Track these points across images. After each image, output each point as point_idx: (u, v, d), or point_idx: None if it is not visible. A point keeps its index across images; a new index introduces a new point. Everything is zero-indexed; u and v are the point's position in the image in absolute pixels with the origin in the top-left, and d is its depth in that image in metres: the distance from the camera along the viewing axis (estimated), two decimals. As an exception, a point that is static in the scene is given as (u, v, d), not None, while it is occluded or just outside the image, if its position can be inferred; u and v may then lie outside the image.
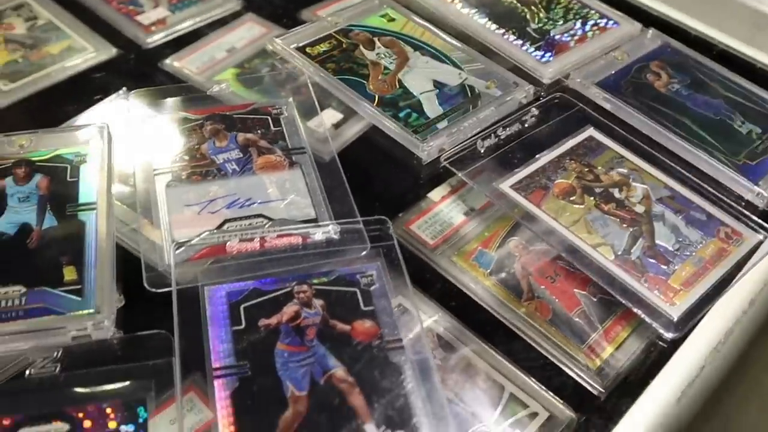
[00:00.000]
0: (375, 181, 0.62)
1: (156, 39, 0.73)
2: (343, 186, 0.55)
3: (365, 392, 0.43)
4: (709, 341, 0.50)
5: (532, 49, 0.70)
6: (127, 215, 0.54)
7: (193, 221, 0.52)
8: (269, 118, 0.59)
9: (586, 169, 0.59)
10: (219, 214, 0.53)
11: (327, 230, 0.51)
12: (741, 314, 0.53)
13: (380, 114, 0.61)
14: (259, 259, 0.50)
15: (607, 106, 0.65)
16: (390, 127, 0.61)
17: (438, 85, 0.65)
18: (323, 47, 0.67)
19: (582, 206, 0.56)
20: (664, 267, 0.52)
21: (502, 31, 0.72)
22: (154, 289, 0.48)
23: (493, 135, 0.60)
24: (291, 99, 0.61)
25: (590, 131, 0.62)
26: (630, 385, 0.48)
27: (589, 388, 0.47)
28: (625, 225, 0.55)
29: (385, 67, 0.66)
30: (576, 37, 0.72)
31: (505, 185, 0.57)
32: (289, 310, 0.47)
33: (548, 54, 0.70)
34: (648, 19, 0.78)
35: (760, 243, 0.55)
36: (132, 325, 0.47)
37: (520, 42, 0.71)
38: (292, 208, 0.53)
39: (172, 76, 0.69)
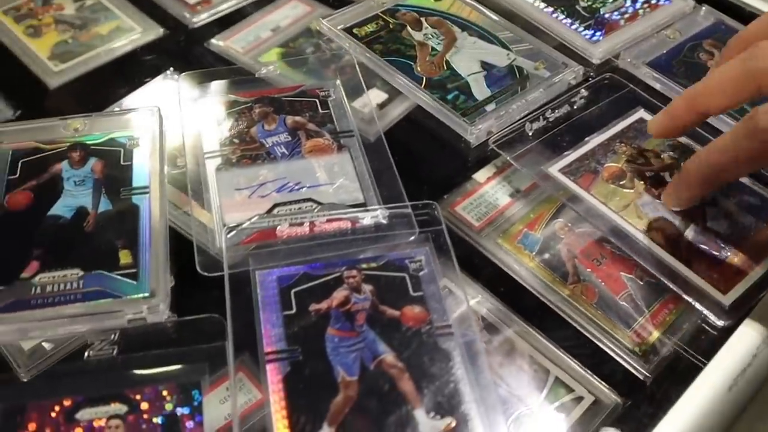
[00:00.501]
0: (421, 163, 0.62)
1: (202, 18, 0.73)
2: (391, 170, 0.55)
3: (415, 378, 0.44)
4: (762, 330, 0.49)
5: (582, 27, 0.69)
6: (177, 198, 0.55)
7: (244, 205, 0.53)
8: (317, 100, 0.60)
9: (637, 152, 0.58)
10: (269, 198, 0.53)
11: (375, 215, 0.52)
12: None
13: (429, 97, 0.61)
14: (309, 243, 0.50)
15: (658, 87, 0.64)
16: (439, 109, 0.61)
17: (486, 66, 0.65)
18: (370, 28, 0.67)
19: (632, 190, 0.55)
20: (716, 253, 0.52)
21: (550, 9, 0.71)
22: (206, 273, 0.49)
23: (541, 117, 0.60)
24: (338, 81, 0.61)
25: (641, 113, 0.61)
26: (678, 371, 0.48)
27: (636, 373, 0.47)
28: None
29: (433, 48, 0.66)
30: (626, 15, 0.71)
31: (554, 169, 0.57)
32: (339, 295, 0.47)
33: (598, 33, 0.69)
34: (701, -5, 0.77)
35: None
36: (185, 308, 0.48)
37: (569, 21, 0.70)
38: (341, 192, 0.54)
39: (218, 56, 0.69)
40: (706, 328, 0.49)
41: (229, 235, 0.50)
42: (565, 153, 0.58)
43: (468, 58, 0.65)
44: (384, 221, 0.52)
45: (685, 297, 0.49)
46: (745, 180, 0.56)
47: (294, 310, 0.47)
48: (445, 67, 0.64)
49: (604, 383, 0.46)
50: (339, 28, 0.67)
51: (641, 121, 0.61)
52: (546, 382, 0.47)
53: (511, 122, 0.60)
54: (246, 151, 0.56)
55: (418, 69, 0.64)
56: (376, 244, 0.51)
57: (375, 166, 0.55)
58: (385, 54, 0.65)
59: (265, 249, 0.50)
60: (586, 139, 0.59)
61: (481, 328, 0.49)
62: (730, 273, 0.51)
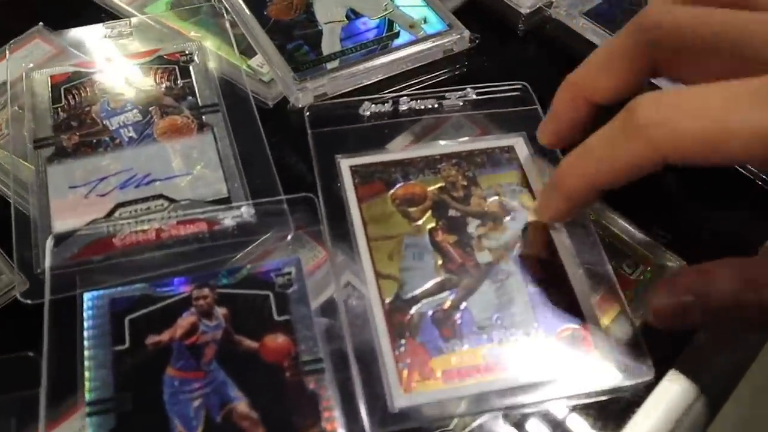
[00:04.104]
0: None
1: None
2: (264, 152, 0.45)
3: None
4: None
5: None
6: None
7: (79, 207, 0.43)
8: (176, 67, 0.49)
9: (461, 183, 0.44)
10: (110, 197, 0.43)
11: (239, 213, 0.42)
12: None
13: (266, 42, 0.51)
14: (156, 254, 0.40)
15: (596, 40, 0.53)
16: (270, 59, 0.50)
17: (352, 14, 0.54)
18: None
19: (413, 224, 0.42)
20: (442, 341, 0.38)
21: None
22: (28, 301, 0.40)
23: (390, 102, 0.48)
24: (207, 42, 0.50)
25: (517, 141, 0.47)
26: None
27: None
28: (444, 268, 0.41)
29: (299, -14, 0.54)
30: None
31: (347, 162, 0.45)
32: (184, 322, 0.38)
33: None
34: None
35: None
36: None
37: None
38: (200, 185, 0.43)
39: (96, 6, 0.57)
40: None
41: (55, 248, 0.40)
42: (377, 150, 0.46)
43: (334, 4, 0.54)
44: (251, 220, 0.42)
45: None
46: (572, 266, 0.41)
47: (127, 344, 0.37)
48: (302, 11, 0.53)
49: None
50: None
51: (507, 150, 0.46)
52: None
53: (353, 87, 0.50)
54: (86, 136, 0.45)
55: (270, 10, 0.53)
56: (238, 251, 0.41)
57: (244, 149, 0.45)
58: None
59: (100, 264, 0.40)
60: (420, 144, 0.47)
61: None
62: (431, 373, 0.37)
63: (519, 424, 0.37)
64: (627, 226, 0.44)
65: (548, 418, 0.38)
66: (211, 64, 0.49)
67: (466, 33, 0.52)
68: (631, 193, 0.35)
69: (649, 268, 0.43)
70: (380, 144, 0.46)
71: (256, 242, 0.41)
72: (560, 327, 0.39)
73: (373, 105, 0.47)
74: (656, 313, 0.34)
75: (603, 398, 0.37)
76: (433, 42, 0.52)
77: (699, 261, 0.37)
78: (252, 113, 0.46)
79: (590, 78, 0.38)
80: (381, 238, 0.41)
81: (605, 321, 0.39)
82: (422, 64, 0.52)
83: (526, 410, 0.37)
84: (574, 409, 0.38)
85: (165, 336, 0.37)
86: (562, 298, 0.40)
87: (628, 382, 0.37)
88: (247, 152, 0.45)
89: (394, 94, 0.48)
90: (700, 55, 0.33)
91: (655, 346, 0.38)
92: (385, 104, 0.47)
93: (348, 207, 0.42)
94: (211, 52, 0.50)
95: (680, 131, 0.30)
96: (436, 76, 0.52)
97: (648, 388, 0.38)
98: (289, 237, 0.41)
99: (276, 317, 0.38)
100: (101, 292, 0.39)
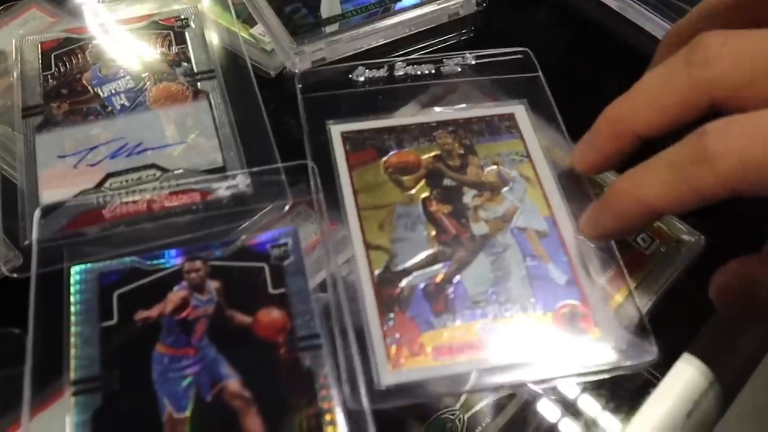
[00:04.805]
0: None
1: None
2: (261, 119, 0.42)
3: (265, 413, 0.32)
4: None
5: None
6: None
7: (68, 177, 0.41)
8: (171, 32, 0.47)
9: (458, 152, 0.42)
10: (100, 167, 0.41)
11: (234, 183, 0.40)
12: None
13: (263, 4, 0.48)
14: (146, 226, 0.39)
15: (615, 5, 0.50)
16: (267, 22, 0.48)
17: None
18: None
19: (406, 193, 0.40)
20: (433, 316, 0.36)
21: None
22: (14, 275, 0.38)
23: (386, 67, 0.45)
24: (199, 5, 0.48)
25: (518, 108, 0.44)
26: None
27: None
28: (437, 240, 0.38)
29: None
30: None
31: (338, 128, 0.42)
32: (175, 297, 0.36)
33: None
34: None
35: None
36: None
37: None
38: (194, 154, 0.41)
39: None
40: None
41: (43, 219, 0.38)
42: (371, 116, 0.43)
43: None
44: (247, 190, 0.40)
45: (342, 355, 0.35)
46: (572, 239, 0.39)
47: (115, 320, 0.35)
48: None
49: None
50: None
51: (507, 118, 0.44)
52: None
53: (353, 51, 0.48)
54: (76, 104, 0.43)
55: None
56: (233, 223, 0.39)
57: (241, 117, 0.43)
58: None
59: (88, 237, 0.38)
60: (413, 111, 0.44)
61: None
62: (421, 349, 0.35)
63: (528, 404, 0.35)
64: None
65: (560, 399, 0.35)
66: (208, 30, 0.47)
67: (474, -3, 0.50)
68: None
69: (664, 243, 0.40)
70: (374, 110, 0.43)
71: (252, 213, 0.39)
72: (559, 303, 0.36)
73: (367, 70, 0.45)
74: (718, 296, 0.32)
75: (602, 377, 0.35)
76: (438, 5, 0.49)
77: (716, 235, 0.35)
78: (249, 80, 0.44)
79: (637, 114, 0.34)
80: (372, 207, 0.39)
81: (618, 298, 0.37)
82: (426, 28, 0.49)
83: (522, 389, 0.35)
84: (585, 389, 0.36)
85: (154, 311, 0.35)
86: (562, 272, 0.37)
87: (629, 362, 0.34)
88: (244, 120, 0.43)
89: (390, 59, 0.46)
90: (766, 83, 0.29)
91: (669, 328, 0.36)
92: (380, 69, 0.45)
93: (338, 175, 0.40)
94: (208, 17, 0.48)
95: (753, 163, 0.27)
96: (441, 41, 0.50)
97: (662, 369, 0.35)
98: (287, 208, 0.39)
99: (271, 290, 0.36)
100: (89, 265, 0.37)
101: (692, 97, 0.31)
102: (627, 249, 0.40)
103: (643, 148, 0.34)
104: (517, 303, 0.36)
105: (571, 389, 0.36)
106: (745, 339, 0.37)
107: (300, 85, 0.43)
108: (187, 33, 0.46)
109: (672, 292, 0.39)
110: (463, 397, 0.36)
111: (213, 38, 0.47)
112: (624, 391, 0.36)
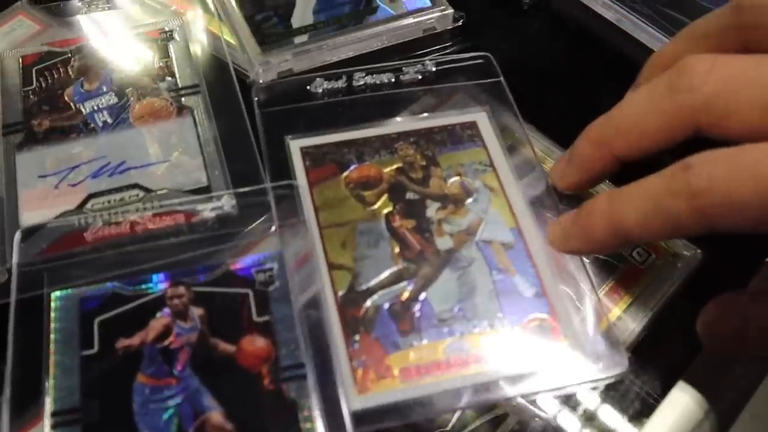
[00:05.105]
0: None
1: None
2: (246, 134, 0.41)
3: (248, 446, 0.32)
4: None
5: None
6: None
7: (49, 198, 0.40)
8: (155, 45, 0.46)
9: (419, 164, 0.41)
10: (82, 187, 0.40)
11: (219, 204, 0.39)
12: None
13: (234, 10, 0.47)
14: (129, 249, 0.38)
15: (611, 17, 0.49)
16: (236, 30, 0.47)
17: None
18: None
19: (369, 208, 0.39)
20: (399, 336, 0.35)
21: None
22: (-7, 300, 0.37)
23: (344, 77, 0.44)
24: (185, 17, 0.47)
25: (480, 116, 0.43)
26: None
27: None
28: (402, 257, 0.37)
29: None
30: None
31: (297, 144, 0.41)
32: (157, 324, 0.35)
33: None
34: None
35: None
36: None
37: None
38: (178, 173, 0.40)
39: None
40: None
41: (23, 242, 0.38)
42: (331, 130, 0.42)
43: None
44: (232, 211, 0.39)
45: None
46: (538, 251, 0.38)
47: (96, 348, 0.35)
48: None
49: None
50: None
51: (469, 126, 0.43)
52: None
53: (321, 63, 0.46)
54: (57, 121, 0.42)
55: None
56: (218, 245, 0.38)
57: (225, 132, 0.42)
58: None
59: (69, 260, 0.37)
60: (373, 122, 0.43)
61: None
62: (388, 372, 0.34)
63: (523, 425, 0.35)
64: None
65: (553, 426, 0.35)
66: (193, 42, 0.46)
67: (450, 11, 0.49)
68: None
69: (660, 257, 0.40)
70: (334, 123, 0.42)
71: (238, 236, 0.38)
72: (527, 317, 0.35)
73: (326, 81, 0.44)
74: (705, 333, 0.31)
75: (573, 391, 0.34)
76: (414, 18, 0.48)
77: (714, 250, 0.34)
78: (235, 95, 0.43)
79: (619, 137, 0.33)
80: (333, 225, 0.38)
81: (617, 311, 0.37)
82: (399, 42, 0.48)
83: (494, 408, 0.35)
84: (581, 416, 0.35)
85: (136, 339, 0.35)
86: (530, 285, 0.37)
87: (601, 375, 0.34)
88: (229, 137, 0.42)
89: (348, 69, 0.44)
90: (753, 112, 0.28)
91: (665, 353, 0.35)
92: (339, 80, 0.44)
93: (298, 192, 0.39)
94: (194, 26, 0.47)
95: (736, 203, 0.26)
96: (415, 56, 0.48)
97: (658, 390, 0.35)
98: (273, 228, 0.38)
99: (255, 318, 0.35)
100: (70, 291, 0.36)
101: (676, 123, 0.30)
102: (622, 263, 0.40)
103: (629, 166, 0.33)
104: (484, 318, 0.35)
105: (569, 419, 0.35)
106: (740, 367, 0.36)
107: (257, 99, 0.42)
108: (171, 46, 0.45)
109: (668, 308, 0.38)
110: (455, 416, 0.36)
111: (198, 50, 0.46)
112: (618, 419, 0.35)
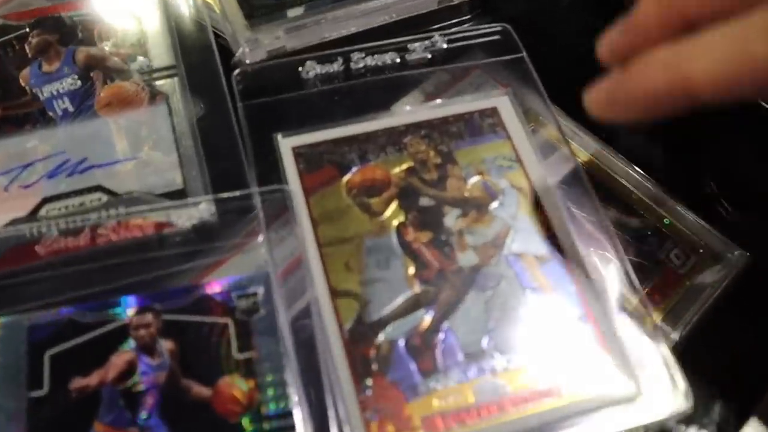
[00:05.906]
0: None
1: None
2: (230, 127, 0.35)
3: None
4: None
5: None
6: None
7: (-3, 202, 0.34)
8: (128, 19, 0.39)
9: (434, 161, 0.35)
10: (35, 189, 0.34)
11: (196, 211, 0.33)
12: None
13: None
14: (89, 266, 0.32)
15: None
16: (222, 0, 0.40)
17: None
18: None
19: (377, 218, 0.33)
20: (420, 378, 0.29)
21: None
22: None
23: (340, 59, 0.37)
24: (161, -12, 0.40)
25: (501, 101, 0.37)
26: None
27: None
28: (418, 278, 0.32)
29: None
30: None
31: (288, 143, 0.35)
32: (119, 360, 0.29)
33: None
34: None
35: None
36: None
37: None
38: (148, 172, 0.34)
39: None
40: None
41: (-35, 257, 0.32)
42: (328, 124, 0.36)
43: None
44: (211, 219, 0.33)
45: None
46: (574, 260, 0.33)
47: (45, 389, 0.29)
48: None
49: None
50: None
51: (489, 114, 0.37)
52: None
53: (319, 41, 0.39)
54: (10, 109, 0.36)
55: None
56: (193, 261, 0.32)
57: (205, 123, 0.36)
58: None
59: (16, 279, 0.32)
60: (376, 112, 0.36)
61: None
62: (409, 422, 0.29)
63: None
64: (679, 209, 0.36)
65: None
66: (171, 15, 0.39)
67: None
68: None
69: (700, 260, 0.35)
70: (330, 115, 0.36)
71: (217, 251, 0.32)
72: (570, 347, 0.30)
73: (318, 65, 0.37)
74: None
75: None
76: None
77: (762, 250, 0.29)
78: (217, 76, 0.37)
79: None
80: (335, 241, 0.32)
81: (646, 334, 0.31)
82: (411, 15, 0.41)
83: None
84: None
85: (94, 378, 0.29)
86: (571, 306, 0.31)
87: (663, 414, 0.29)
88: (210, 128, 0.36)
89: (345, 49, 0.38)
90: None
91: (705, 363, 0.31)
92: (334, 63, 0.37)
93: (292, 202, 0.33)
94: (171, -2, 0.40)
95: None
96: (429, 32, 0.41)
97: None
98: (260, 240, 0.32)
99: (236, 354, 0.29)
100: (17, 316, 0.30)
101: None
102: (659, 267, 0.35)
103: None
104: (519, 351, 0.30)
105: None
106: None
107: (240, 87, 0.36)
108: (142, 21, 0.39)
109: (709, 318, 0.33)
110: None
111: (176, 25, 0.39)
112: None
